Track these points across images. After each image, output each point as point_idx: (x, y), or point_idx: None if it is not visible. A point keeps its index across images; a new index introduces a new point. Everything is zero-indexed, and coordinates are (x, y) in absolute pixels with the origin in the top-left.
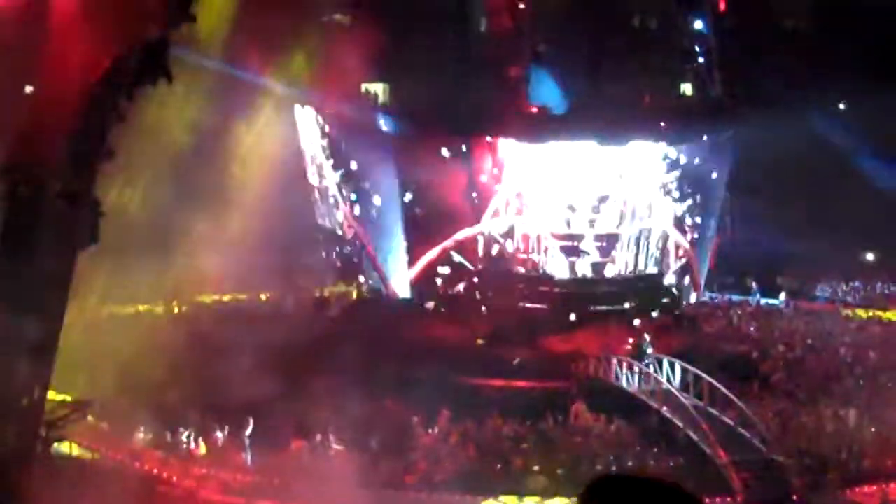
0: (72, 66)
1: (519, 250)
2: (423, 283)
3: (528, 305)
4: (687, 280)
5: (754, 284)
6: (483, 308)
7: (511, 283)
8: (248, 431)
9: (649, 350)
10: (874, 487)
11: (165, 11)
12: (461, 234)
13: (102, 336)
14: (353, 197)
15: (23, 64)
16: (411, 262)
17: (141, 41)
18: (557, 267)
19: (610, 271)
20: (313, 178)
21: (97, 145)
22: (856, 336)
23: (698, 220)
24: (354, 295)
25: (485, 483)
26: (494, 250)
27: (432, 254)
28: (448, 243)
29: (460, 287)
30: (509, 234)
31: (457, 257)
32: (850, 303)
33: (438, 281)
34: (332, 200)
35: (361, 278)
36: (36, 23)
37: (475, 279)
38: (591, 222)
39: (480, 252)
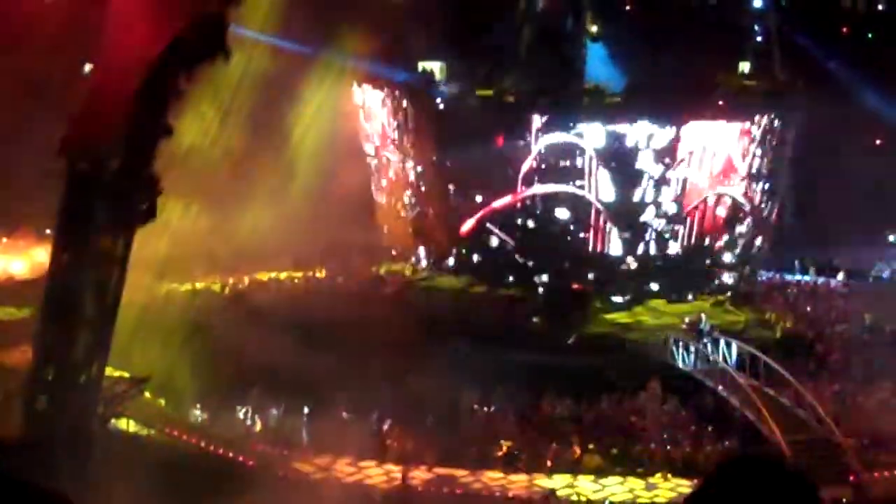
0: (130, 45)
1: (569, 224)
2: (467, 255)
3: (575, 286)
4: (745, 258)
5: (811, 264)
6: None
7: (558, 258)
8: (305, 409)
9: (707, 328)
10: None
11: None
12: (500, 202)
13: (160, 313)
14: (416, 171)
15: (82, 43)
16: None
17: (199, 19)
18: (613, 243)
19: (672, 248)
20: (371, 154)
21: (155, 123)
22: None
23: (760, 198)
24: (408, 273)
25: (539, 462)
26: (539, 223)
27: (468, 223)
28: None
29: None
30: (557, 204)
31: (499, 233)
32: None
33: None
34: (391, 175)
35: (414, 258)
36: (95, 2)
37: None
38: (654, 195)
39: (525, 223)
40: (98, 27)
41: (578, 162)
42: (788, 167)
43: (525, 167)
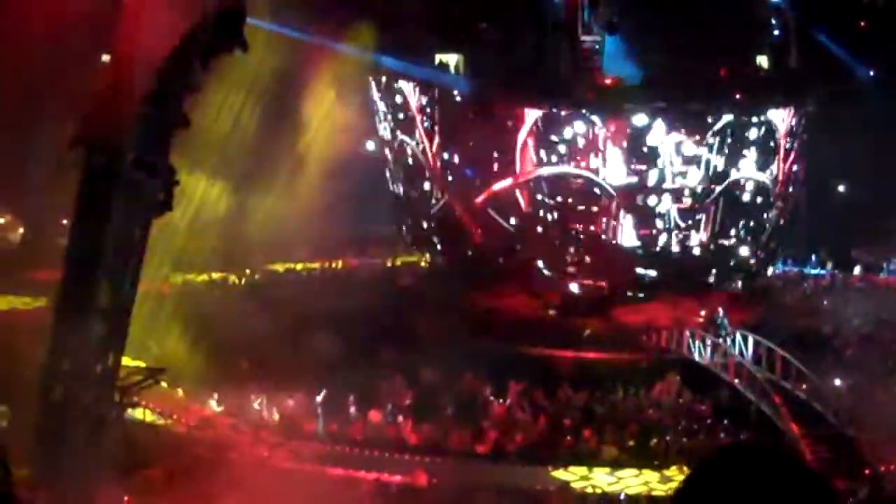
0: (148, 35)
1: (574, 210)
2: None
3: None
4: (761, 252)
5: (828, 258)
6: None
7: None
8: (320, 399)
9: (724, 323)
10: None
11: None
12: (500, 185)
13: (176, 303)
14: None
15: (99, 34)
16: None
17: (216, 10)
18: (624, 233)
19: (691, 241)
20: (388, 145)
21: (172, 115)
22: None
23: (778, 192)
24: (424, 264)
25: (555, 454)
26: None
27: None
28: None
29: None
30: (563, 188)
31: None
32: None
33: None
34: (409, 166)
35: (429, 250)
36: None
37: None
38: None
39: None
40: (115, 18)
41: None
42: (805, 161)
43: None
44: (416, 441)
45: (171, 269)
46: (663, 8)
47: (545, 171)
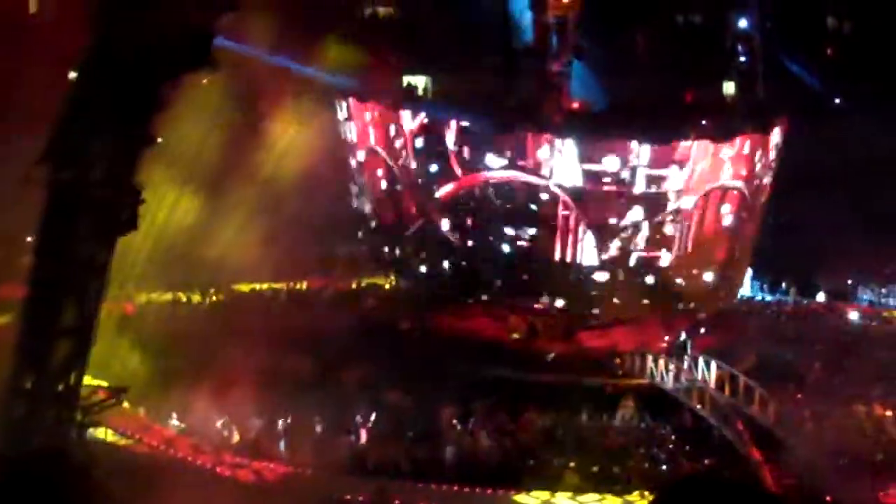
0: (115, 52)
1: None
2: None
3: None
4: (725, 279)
5: (792, 285)
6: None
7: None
8: (283, 421)
9: (687, 348)
10: None
11: (209, 0)
12: (442, 191)
13: (139, 323)
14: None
15: (66, 50)
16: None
17: (185, 29)
18: (587, 252)
19: (661, 261)
20: (355, 167)
21: (139, 133)
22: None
23: (741, 218)
24: (388, 287)
25: (518, 478)
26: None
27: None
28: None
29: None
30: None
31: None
32: (890, 305)
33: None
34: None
35: (393, 273)
36: (80, 9)
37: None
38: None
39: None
40: (81, 35)
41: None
42: (770, 187)
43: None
44: (379, 463)
45: (134, 288)
46: (631, 34)
47: (492, 175)
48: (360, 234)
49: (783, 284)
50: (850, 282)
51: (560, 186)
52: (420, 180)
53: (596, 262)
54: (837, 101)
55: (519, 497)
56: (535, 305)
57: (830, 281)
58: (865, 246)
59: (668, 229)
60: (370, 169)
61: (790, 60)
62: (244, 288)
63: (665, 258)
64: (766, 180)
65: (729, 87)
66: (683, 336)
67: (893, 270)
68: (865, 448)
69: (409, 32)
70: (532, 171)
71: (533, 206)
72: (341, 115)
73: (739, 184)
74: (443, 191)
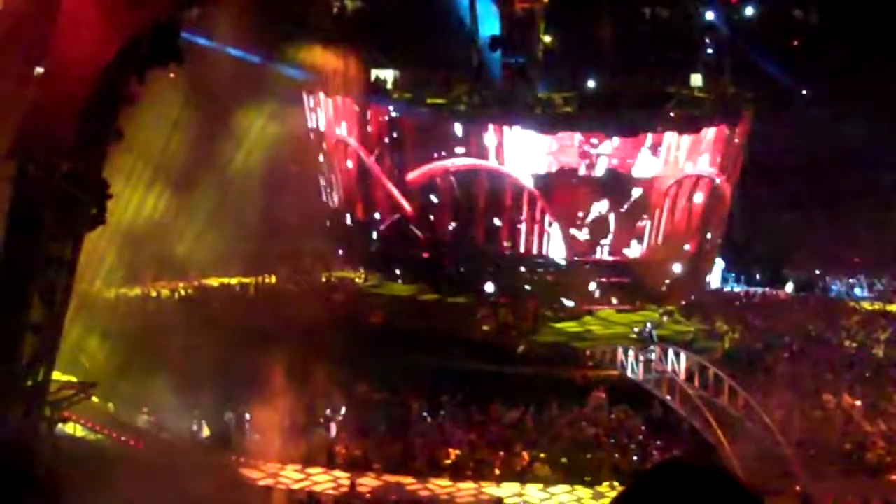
0: (82, 48)
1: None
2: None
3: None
4: (695, 269)
5: (759, 276)
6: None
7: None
8: (253, 415)
9: (653, 338)
10: (877, 479)
11: None
12: (412, 174)
13: (108, 317)
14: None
15: (33, 45)
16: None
17: (152, 24)
18: (554, 244)
19: (632, 252)
20: (322, 161)
21: (106, 127)
22: (861, 328)
23: (711, 208)
24: (359, 280)
25: (487, 470)
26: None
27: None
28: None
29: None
30: (478, 193)
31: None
32: (857, 296)
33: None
34: (344, 181)
35: (363, 267)
36: (47, 4)
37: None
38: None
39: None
40: (48, 30)
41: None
42: (739, 178)
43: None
44: (349, 456)
45: (103, 282)
46: (598, 26)
47: (456, 163)
48: (329, 227)
49: (751, 275)
50: (818, 272)
51: (524, 176)
52: (391, 172)
53: (563, 254)
54: (804, 92)
55: (489, 489)
56: (502, 299)
57: (798, 271)
58: (833, 237)
59: (638, 219)
60: (340, 161)
61: (756, 52)
62: (213, 282)
63: (635, 249)
64: (735, 171)
65: (696, 79)
66: (649, 327)
67: (861, 261)
68: (834, 438)
69: (377, 26)
70: (496, 160)
71: (498, 198)
72: (309, 108)
73: (711, 171)
74: (410, 176)
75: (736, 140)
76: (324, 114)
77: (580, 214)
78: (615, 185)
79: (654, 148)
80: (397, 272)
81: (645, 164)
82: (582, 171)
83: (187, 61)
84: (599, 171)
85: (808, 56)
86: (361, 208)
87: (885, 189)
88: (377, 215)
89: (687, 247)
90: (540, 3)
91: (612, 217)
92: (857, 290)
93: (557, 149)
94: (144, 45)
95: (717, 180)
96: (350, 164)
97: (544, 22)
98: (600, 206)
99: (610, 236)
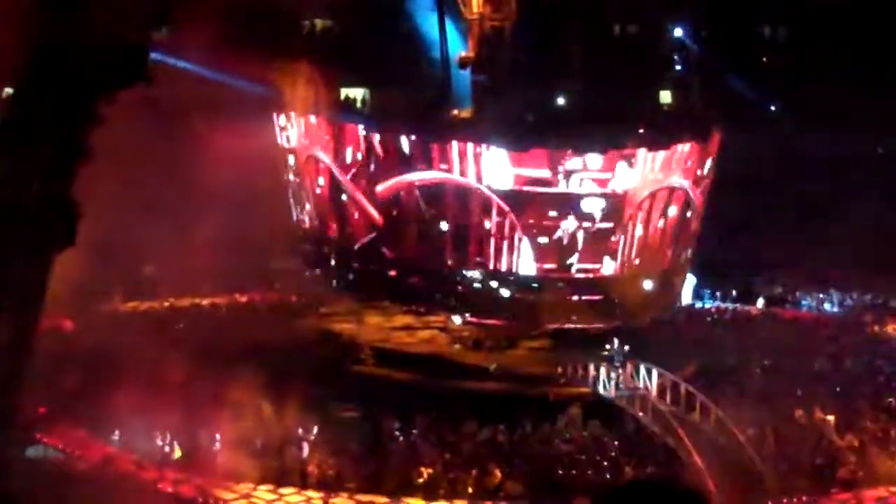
0: (50, 67)
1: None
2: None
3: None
4: (668, 285)
5: (732, 292)
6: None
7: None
8: (223, 435)
9: (620, 355)
10: (849, 494)
11: (145, 14)
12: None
13: (79, 339)
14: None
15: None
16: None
17: (120, 44)
18: (524, 259)
19: (604, 268)
20: (293, 180)
21: (76, 147)
22: (832, 344)
23: (683, 223)
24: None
25: (460, 488)
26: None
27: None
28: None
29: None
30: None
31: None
32: (828, 311)
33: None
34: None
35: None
36: (13, 23)
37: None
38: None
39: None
40: (15, 49)
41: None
42: (708, 194)
43: None
44: (321, 476)
45: (73, 303)
46: (568, 43)
47: (419, 176)
48: (299, 246)
49: (722, 292)
50: (788, 288)
51: (492, 190)
52: (364, 189)
53: (533, 270)
54: (773, 108)
55: None
56: (471, 318)
57: (769, 287)
58: (804, 252)
59: (612, 234)
60: (311, 179)
61: (725, 68)
62: (184, 302)
63: (608, 265)
64: (706, 184)
65: (665, 96)
66: (617, 343)
67: (832, 276)
68: (806, 453)
69: (346, 45)
70: (464, 176)
71: (466, 213)
72: (279, 126)
73: (685, 182)
74: (378, 188)
75: (708, 153)
76: (294, 132)
77: (551, 230)
78: (587, 199)
79: (628, 160)
80: (367, 291)
81: (618, 178)
82: (552, 186)
83: (157, 81)
84: (571, 186)
85: (775, 71)
86: (333, 227)
87: (855, 203)
88: (349, 234)
89: (659, 262)
90: (509, 21)
91: (583, 232)
92: (826, 305)
93: (527, 164)
94: (114, 65)
95: (691, 192)
96: (322, 181)
97: (514, 39)
98: (571, 222)
99: (581, 252)
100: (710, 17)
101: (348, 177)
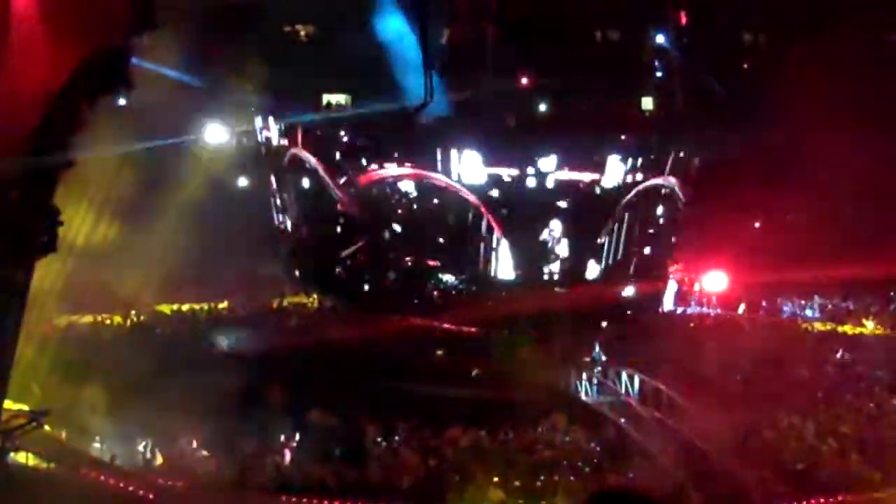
0: (32, 74)
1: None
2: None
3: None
4: (647, 291)
5: (714, 297)
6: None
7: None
8: (205, 442)
9: (601, 360)
10: (830, 499)
11: (127, 21)
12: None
13: (60, 345)
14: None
15: None
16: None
17: (102, 50)
18: (503, 263)
19: (591, 272)
20: (275, 186)
21: (57, 154)
22: (814, 350)
23: (659, 231)
24: (311, 305)
25: (443, 494)
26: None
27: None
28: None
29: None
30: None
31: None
32: (809, 316)
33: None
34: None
35: (322, 290)
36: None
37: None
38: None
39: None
40: None
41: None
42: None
43: None
44: (304, 482)
45: (55, 310)
46: (550, 51)
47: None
48: (282, 251)
49: (704, 297)
50: (769, 294)
51: (471, 190)
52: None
53: (513, 275)
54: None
55: None
56: (448, 327)
57: (750, 293)
58: (784, 258)
59: (596, 237)
60: (295, 181)
61: (706, 74)
62: (166, 309)
63: (592, 269)
64: (689, 185)
65: (647, 102)
66: (597, 349)
67: (813, 282)
68: (787, 458)
69: (328, 51)
70: (444, 177)
71: (445, 216)
72: (261, 129)
73: (671, 181)
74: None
75: (691, 159)
76: (275, 132)
77: (533, 233)
78: (571, 200)
79: (611, 163)
80: (351, 296)
81: (602, 178)
82: (534, 186)
83: (138, 87)
84: (553, 185)
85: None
86: (316, 230)
87: (835, 209)
88: (332, 237)
89: (643, 267)
90: (490, 28)
91: (568, 236)
92: (808, 311)
93: (507, 166)
94: (95, 71)
95: (677, 191)
96: (306, 182)
97: (494, 45)
98: (555, 224)
99: (566, 257)
100: (692, 23)
101: (330, 178)
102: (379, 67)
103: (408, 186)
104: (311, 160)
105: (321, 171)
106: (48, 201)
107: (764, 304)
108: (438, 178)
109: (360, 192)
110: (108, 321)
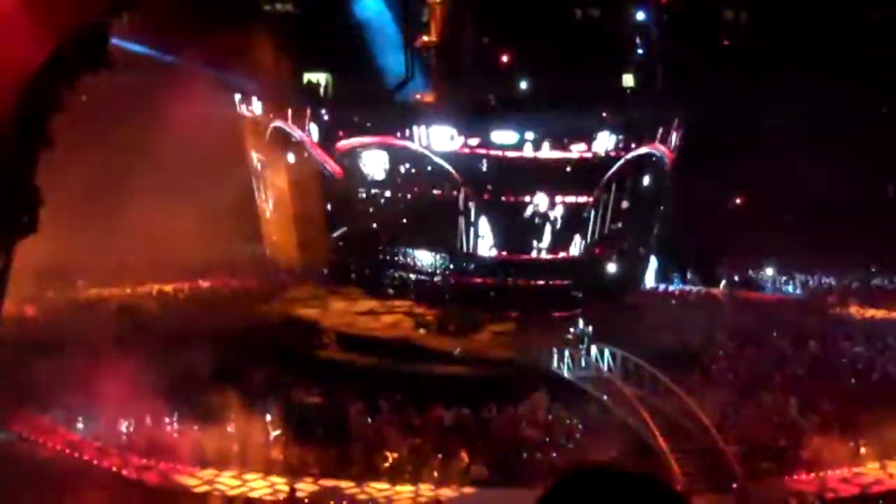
0: (10, 54)
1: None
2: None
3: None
4: (629, 268)
5: (694, 274)
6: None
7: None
8: (189, 422)
9: (587, 337)
10: (812, 475)
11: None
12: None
13: (43, 325)
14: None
15: None
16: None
17: (81, 30)
18: (483, 239)
19: (574, 248)
20: (256, 166)
21: (36, 134)
22: (796, 327)
23: (641, 208)
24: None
25: (426, 472)
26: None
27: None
28: None
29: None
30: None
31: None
32: (789, 293)
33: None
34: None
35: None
36: None
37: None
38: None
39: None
40: None
41: None
42: (671, 178)
43: None
44: (286, 461)
45: (37, 290)
46: (531, 29)
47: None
48: (265, 232)
49: (685, 274)
50: (751, 271)
51: (440, 155)
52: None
53: (493, 251)
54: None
55: (427, 492)
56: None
57: (732, 270)
58: (767, 235)
59: (581, 212)
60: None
61: (687, 51)
62: (149, 288)
63: (576, 245)
64: (665, 172)
65: (628, 79)
66: (581, 325)
67: (793, 259)
68: (769, 435)
69: (308, 29)
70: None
71: (423, 189)
72: (241, 105)
73: (660, 148)
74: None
75: (668, 140)
76: (259, 109)
77: (514, 207)
78: (555, 171)
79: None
80: (335, 276)
81: (582, 153)
82: (515, 157)
83: (117, 66)
84: (536, 154)
85: (739, 55)
86: (298, 211)
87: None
88: (318, 218)
89: (626, 242)
90: (471, 5)
91: (554, 210)
92: (789, 288)
93: (489, 139)
94: (74, 51)
95: (663, 157)
96: (291, 157)
97: (475, 24)
98: (538, 198)
99: (551, 233)
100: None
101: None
102: (359, 45)
103: (383, 157)
104: (297, 133)
105: (307, 144)
106: (28, 181)
107: (741, 279)
108: (406, 143)
109: (341, 161)
110: (88, 301)
